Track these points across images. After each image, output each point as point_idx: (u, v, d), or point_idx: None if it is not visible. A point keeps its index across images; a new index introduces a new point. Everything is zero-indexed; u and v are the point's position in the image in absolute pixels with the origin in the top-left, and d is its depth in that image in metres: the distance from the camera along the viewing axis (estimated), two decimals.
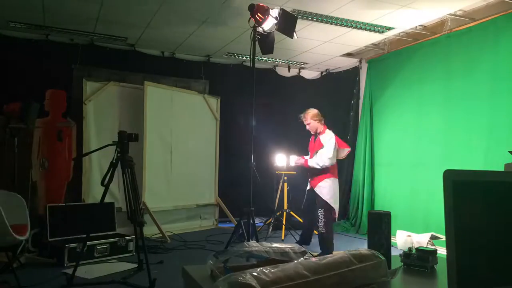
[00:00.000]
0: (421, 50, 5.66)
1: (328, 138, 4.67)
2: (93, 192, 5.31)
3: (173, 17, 5.11)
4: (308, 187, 4.86)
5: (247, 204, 3.99)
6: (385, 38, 5.93)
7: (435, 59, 5.42)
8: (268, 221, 5.96)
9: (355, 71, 7.17)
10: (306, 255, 1.34)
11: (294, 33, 4.22)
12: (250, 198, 4.00)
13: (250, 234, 4.03)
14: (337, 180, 4.79)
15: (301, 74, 7.60)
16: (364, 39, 5.88)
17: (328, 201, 4.62)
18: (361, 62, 7.03)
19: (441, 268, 1.44)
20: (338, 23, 5.22)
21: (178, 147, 6.05)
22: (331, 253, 1.40)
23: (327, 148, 4.62)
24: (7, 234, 2.81)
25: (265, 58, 6.74)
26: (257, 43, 4.09)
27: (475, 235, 0.97)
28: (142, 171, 5.41)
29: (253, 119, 4.07)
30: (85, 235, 3.47)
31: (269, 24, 4.04)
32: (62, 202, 4.81)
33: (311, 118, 4.79)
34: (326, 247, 4.59)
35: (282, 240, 5.40)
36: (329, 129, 4.82)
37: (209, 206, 6.46)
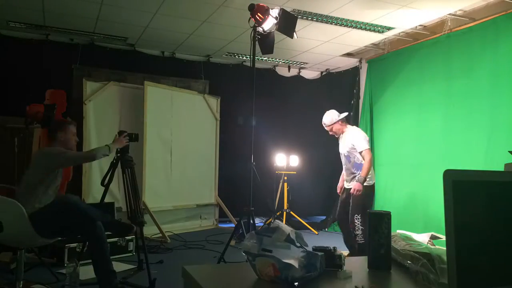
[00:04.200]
0: (421, 50, 5.66)
1: (355, 132, 4.41)
2: (93, 192, 5.31)
3: (173, 17, 5.11)
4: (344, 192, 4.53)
5: (247, 204, 3.99)
6: (385, 38, 5.93)
7: (435, 59, 5.42)
8: (268, 221, 5.97)
9: (355, 71, 7.17)
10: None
11: (294, 33, 4.22)
12: (250, 198, 4.00)
13: None
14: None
15: (301, 74, 7.60)
16: (364, 39, 5.88)
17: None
18: (361, 62, 7.03)
19: None
20: (338, 23, 5.22)
21: (178, 147, 6.05)
22: None
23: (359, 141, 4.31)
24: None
25: (265, 58, 6.74)
26: (257, 43, 4.09)
27: (475, 235, 0.97)
28: (142, 171, 5.41)
29: (253, 119, 4.07)
30: None
31: (269, 24, 4.03)
32: None
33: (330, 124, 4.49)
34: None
35: None
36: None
37: (209, 206, 6.46)
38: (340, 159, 4.63)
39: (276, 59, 6.94)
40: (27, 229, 2.78)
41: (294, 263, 1.16)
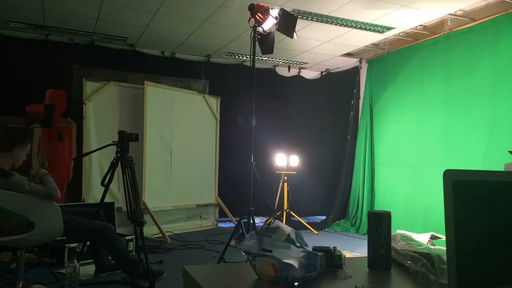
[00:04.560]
0: (421, 50, 5.66)
1: None
2: (93, 192, 5.31)
3: (173, 17, 5.11)
4: None
5: (247, 204, 3.99)
6: (385, 38, 5.93)
7: (435, 59, 5.42)
8: (268, 221, 5.96)
9: (355, 71, 7.17)
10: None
11: (294, 33, 4.22)
12: (250, 198, 3.99)
13: None
14: None
15: (301, 74, 7.60)
16: (364, 39, 5.88)
17: None
18: (361, 62, 7.03)
19: None
20: (338, 23, 5.22)
21: (178, 147, 6.05)
22: None
23: None
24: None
25: (265, 58, 6.74)
26: (257, 43, 4.09)
27: (475, 235, 0.97)
28: (142, 171, 5.41)
29: (253, 119, 4.07)
30: None
31: (269, 24, 4.03)
32: (62, 202, 4.81)
33: None
34: None
35: None
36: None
37: (209, 206, 6.46)
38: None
39: (276, 59, 6.94)
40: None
41: (294, 263, 1.16)
